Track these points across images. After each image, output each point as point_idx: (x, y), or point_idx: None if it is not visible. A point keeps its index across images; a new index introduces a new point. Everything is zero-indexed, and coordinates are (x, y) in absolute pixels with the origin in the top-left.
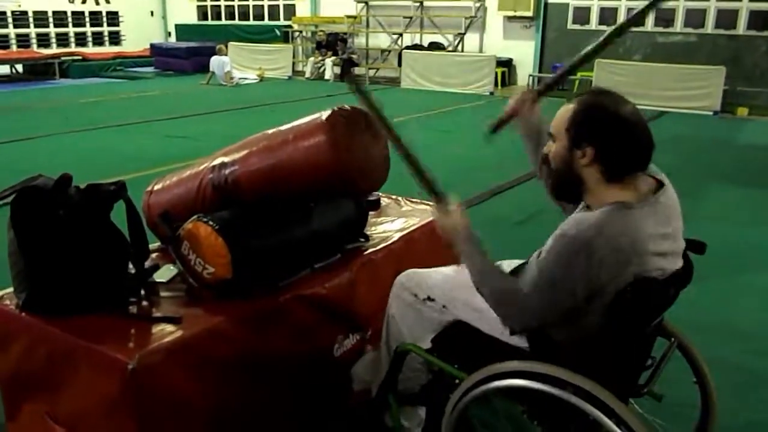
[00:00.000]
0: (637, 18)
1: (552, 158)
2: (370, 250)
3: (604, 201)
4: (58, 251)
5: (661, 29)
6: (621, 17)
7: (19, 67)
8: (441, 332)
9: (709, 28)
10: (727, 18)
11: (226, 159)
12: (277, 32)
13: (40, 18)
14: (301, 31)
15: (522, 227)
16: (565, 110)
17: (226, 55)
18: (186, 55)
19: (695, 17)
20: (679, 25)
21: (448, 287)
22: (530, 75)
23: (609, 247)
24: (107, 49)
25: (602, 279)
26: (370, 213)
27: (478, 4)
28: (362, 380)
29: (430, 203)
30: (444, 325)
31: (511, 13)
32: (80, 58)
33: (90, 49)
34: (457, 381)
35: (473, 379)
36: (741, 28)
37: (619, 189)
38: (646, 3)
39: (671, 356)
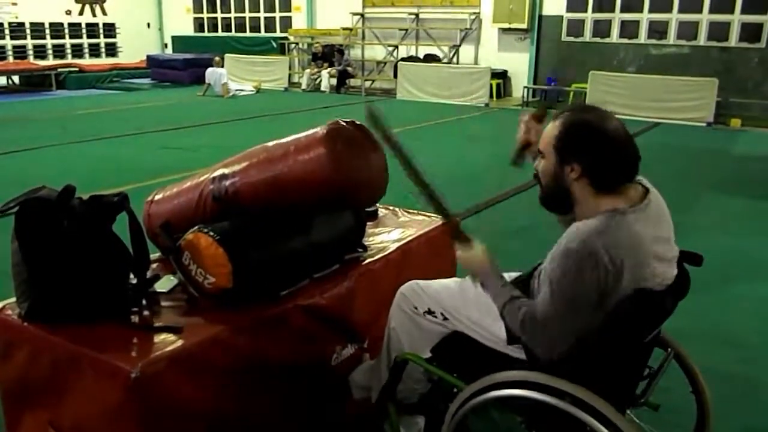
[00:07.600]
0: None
1: (541, 174)
2: (369, 261)
3: (596, 210)
4: (61, 261)
5: (654, 41)
6: (615, 29)
7: (16, 79)
8: (440, 342)
9: (702, 40)
10: (719, 30)
11: (226, 170)
12: (274, 44)
13: (37, 29)
14: (297, 43)
15: (515, 238)
16: (552, 127)
17: (222, 66)
18: (182, 67)
19: (688, 29)
20: (672, 37)
21: (449, 300)
22: (525, 87)
23: (611, 251)
24: (104, 61)
25: (610, 284)
26: (368, 223)
27: (473, 17)
28: (360, 387)
29: (428, 214)
30: (444, 335)
31: (505, 26)
32: (77, 69)
33: (87, 61)
34: (455, 390)
35: (472, 389)
36: (733, 40)
37: (610, 198)
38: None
39: (668, 366)
